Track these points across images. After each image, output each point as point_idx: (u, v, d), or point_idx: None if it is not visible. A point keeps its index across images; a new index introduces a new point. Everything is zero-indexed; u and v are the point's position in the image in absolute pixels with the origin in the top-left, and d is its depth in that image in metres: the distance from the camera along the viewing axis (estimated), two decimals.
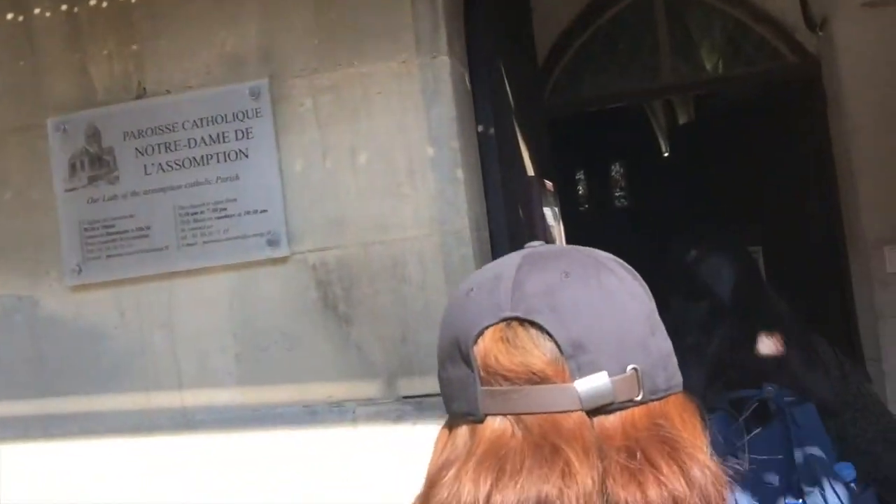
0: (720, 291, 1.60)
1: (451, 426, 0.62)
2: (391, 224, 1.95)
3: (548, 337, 0.57)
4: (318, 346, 1.99)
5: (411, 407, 1.94)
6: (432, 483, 0.58)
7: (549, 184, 2.79)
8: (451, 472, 0.57)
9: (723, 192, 4.02)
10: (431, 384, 1.95)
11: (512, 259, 0.63)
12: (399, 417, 1.95)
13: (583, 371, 0.56)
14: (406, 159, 1.94)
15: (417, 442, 1.97)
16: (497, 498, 0.53)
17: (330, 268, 1.98)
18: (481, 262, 2.04)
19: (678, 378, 0.61)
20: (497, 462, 0.55)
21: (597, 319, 0.58)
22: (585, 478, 0.52)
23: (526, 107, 2.97)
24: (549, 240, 2.61)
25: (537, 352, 0.57)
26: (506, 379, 0.57)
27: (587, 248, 0.65)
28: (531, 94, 3.19)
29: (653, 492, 0.52)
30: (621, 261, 0.65)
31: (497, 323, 0.58)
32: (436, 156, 1.94)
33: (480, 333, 0.58)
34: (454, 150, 1.95)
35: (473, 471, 0.55)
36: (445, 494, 0.56)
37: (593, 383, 0.56)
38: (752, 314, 1.58)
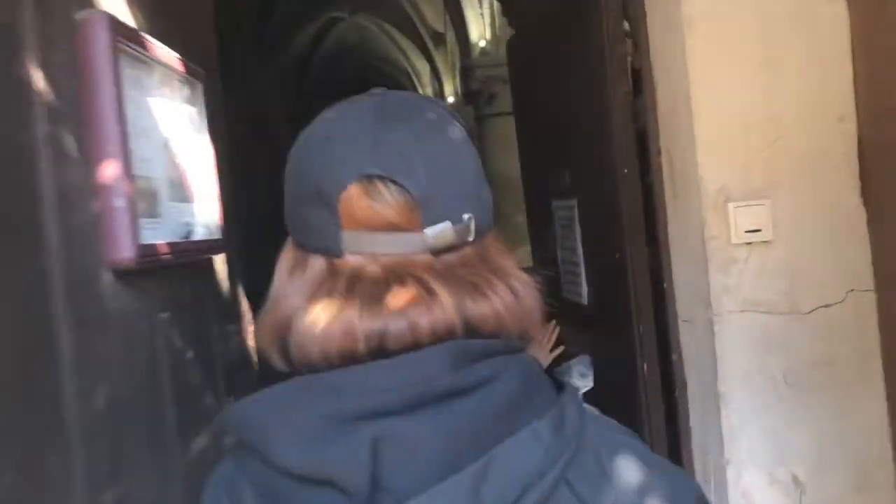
0: None
1: (302, 254, 0.66)
2: None
3: (403, 191, 0.62)
4: None
5: None
6: (292, 305, 0.64)
7: (169, 55, 1.38)
8: (319, 297, 0.62)
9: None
10: None
11: (365, 110, 0.66)
12: None
13: (431, 220, 0.63)
14: None
15: None
16: (371, 324, 0.60)
17: None
18: None
19: (492, 220, 0.69)
20: (364, 290, 0.61)
21: (444, 177, 0.64)
22: (446, 296, 0.61)
23: None
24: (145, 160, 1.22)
25: (395, 204, 0.63)
26: (366, 226, 0.63)
27: (430, 102, 0.70)
28: None
29: (495, 303, 0.63)
30: (454, 112, 0.70)
31: (360, 179, 0.63)
32: None
33: (344, 186, 0.63)
34: None
35: (343, 296, 0.61)
36: (312, 319, 0.61)
37: (440, 231, 0.63)
38: None
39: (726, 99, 1.93)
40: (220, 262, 1.63)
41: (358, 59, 25.70)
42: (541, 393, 0.63)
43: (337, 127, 0.66)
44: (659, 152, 2.13)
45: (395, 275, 0.62)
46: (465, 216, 0.64)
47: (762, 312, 1.93)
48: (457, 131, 0.68)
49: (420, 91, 24.33)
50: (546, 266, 2.85)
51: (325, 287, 0.63)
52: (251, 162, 17.61)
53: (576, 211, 2.47)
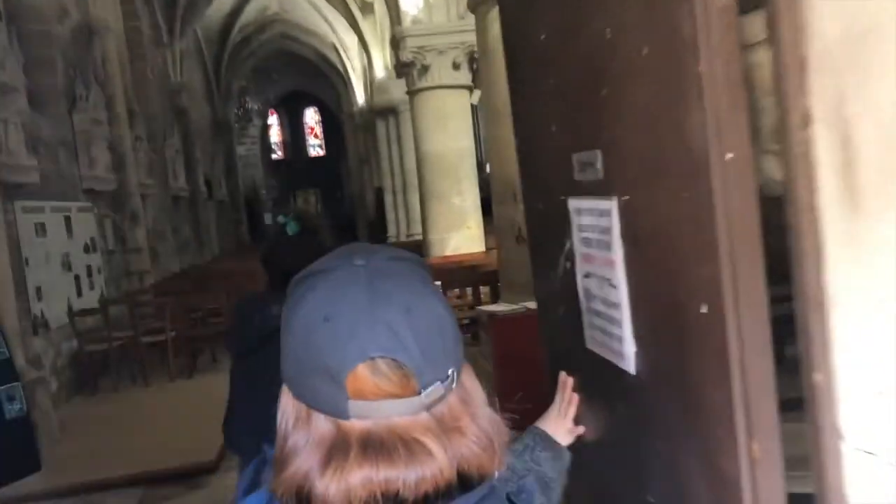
0: None
1: (305, 407, 0.81)
2: None
3: (401, 366, 0.77)
4: None
5: None
6: (307, 464, 0.79)
7: None
8: (336, 461, 0.77)
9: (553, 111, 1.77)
10: None
11: (356, 290, 0.79)
12: None
13: (424, 384, 0.78)
14: None
15: None
16: (387, 476, 0.76)
17: None
18: None
19: (463, 357, 0.83)
20: (375, 453, 0.76)
21: (431, 344, 0.79)
22: (442, 454, 0.78)
23: None
24: None
25: (395, 377, 0.78)
26: (370, 397, 0.77)
27: (408, 263, 0.84)
28: None
29: (470, 448, 0.80)
30: (421, 261, 0.87)
31: (364, 360, 0.77)
32: None
33: (352, 369, 0.77)
34: None
35: (358, 459, 0.77)
36: (335, 479, 0.76)
37: (432, 392, 0.79)
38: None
39: None
40: None
41: (280, 30, 24.12)
42: None
43: (333, 308, 0.79)
44: (806, 120, 1.09)
45: (400, 437, 0.77)
46: (450, 371, 0.80)
47: None
48: (430, 290, 0.83)
49: (349, 65, 22.93)
50: (553, 301, 1.80)
51: (339, 449, 0.77)
52: (162, 140, 15.86)
53: (615, 219, 1.42)
